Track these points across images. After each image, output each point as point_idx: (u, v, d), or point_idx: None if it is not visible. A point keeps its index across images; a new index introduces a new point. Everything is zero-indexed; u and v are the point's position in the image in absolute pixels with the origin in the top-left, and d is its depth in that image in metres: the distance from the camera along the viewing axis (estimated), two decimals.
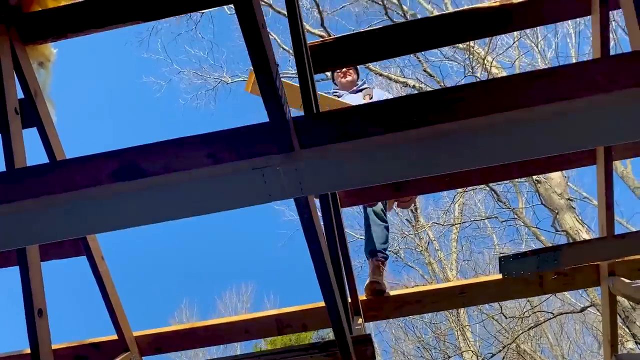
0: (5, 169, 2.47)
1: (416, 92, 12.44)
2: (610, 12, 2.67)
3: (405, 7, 12.91)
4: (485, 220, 14.49)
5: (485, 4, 2.77)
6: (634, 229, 11.51)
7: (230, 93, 15.80)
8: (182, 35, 14.26)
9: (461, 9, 2.79)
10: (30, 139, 2.81)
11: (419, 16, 13.24)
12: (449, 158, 1.59)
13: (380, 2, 12.38)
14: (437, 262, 15.75)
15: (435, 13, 13.24)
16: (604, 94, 1.49)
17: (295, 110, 3.44)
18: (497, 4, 2.75)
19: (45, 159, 2.88)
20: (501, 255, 1.99)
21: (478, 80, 11.16)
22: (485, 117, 1.55)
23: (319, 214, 2.42)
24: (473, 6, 2.76)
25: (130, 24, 2.81)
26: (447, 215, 14.60)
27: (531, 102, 1.53)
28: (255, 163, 1.54)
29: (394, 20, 12.41)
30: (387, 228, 3.74)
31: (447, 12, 2.80)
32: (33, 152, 2.77)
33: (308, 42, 3.02)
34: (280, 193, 1.54)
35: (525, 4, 2.71)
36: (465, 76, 10.96)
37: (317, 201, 2.38)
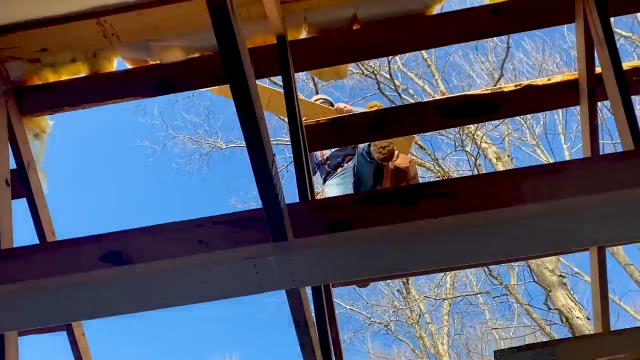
0: None
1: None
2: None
3: (397, 82, 13.30)
4: (478, 295, 14.29)
5: (477, 91, 2.85)
6: (627, 308, 11.37)
7: (224, 158, 15.91)
8: (180, 101, 14.47)
9: (454, 95, 2.86)
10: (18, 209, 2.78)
11: (410, 91, 13.64)
12: (441, 252, 1.56)
13: (373, 77, 12.76)
14: (429, 336, 15.35)
15: (427, 88, 13.66)
16: (594, 195, 1.49)
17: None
18: (489, 91, 2.83)
19: (32, 231, 2.83)
20: (497, 350, 1.94)
21: (468, 154, 11.36)
22: (476, 213, 1.54)
23: (309, 295, 2.37)
24: (465, 93, 2.84)
25: (129, 99, 2.85)
26: (439, 288, 14.40)
27: (521, 199, 1.54)
28: (247, 252, 1.51)
29: (386, 93, 12.76)
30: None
31: (440, 97, 2.86)
32: (20, 224, 2.72)
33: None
34: (271, 284, 1.50)
35: (516, 92, 2.79)
36: (455, 150, 11.14)
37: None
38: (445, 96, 2.90)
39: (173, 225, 1.65)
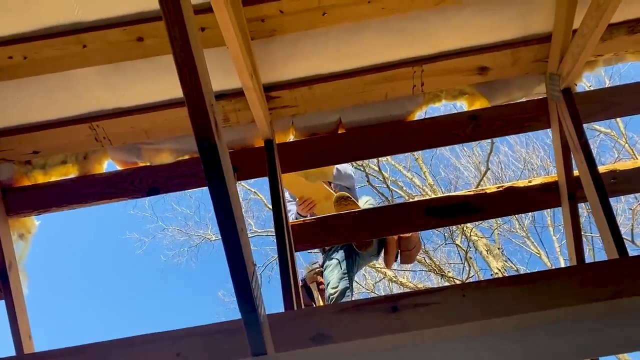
0: None
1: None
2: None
3: (385, 174, 13.56)
4: None
5: (461, 192, 2.91)
6: None
7: (213, 249, 15.76)
8: (170, 193, 14.56)
9: (439, 196, 2.91)
10: None
11: (399, 183, 13.87)
12: None
13: (362, 169, 13.02)
14: None
15: (415, 180, 13.90)
16: (587, 304, 1.49)
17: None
18: (472, 192, 2.89)
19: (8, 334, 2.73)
20: None
21: (458, 247, 11.35)
22: (464, 324, 1.52)
23: None
24: (449, 194, 2.89)
25: (118, 199, 2.87)
26: None
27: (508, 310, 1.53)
28: None
29: (374, 185, 12.95)
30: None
31: (425, 198, 2.91)
32: None
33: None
34: None
35: (498, 194, 2.85)
36: (445, 243, 11.14)
37: None
38: (431, 197, 2.96)
39: (151, 337, 1.61)
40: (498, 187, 2.88)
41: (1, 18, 2.29)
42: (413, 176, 14.04)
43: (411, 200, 3.11)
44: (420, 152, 13.40)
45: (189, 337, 1.58)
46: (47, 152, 2.78)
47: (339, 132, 2.87)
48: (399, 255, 3.72)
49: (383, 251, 3.71)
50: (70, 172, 2.87)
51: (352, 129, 2.85)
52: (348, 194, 3.34)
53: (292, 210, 3.70)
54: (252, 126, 2.80)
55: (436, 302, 1.61)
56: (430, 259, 11.86)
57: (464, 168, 14.80)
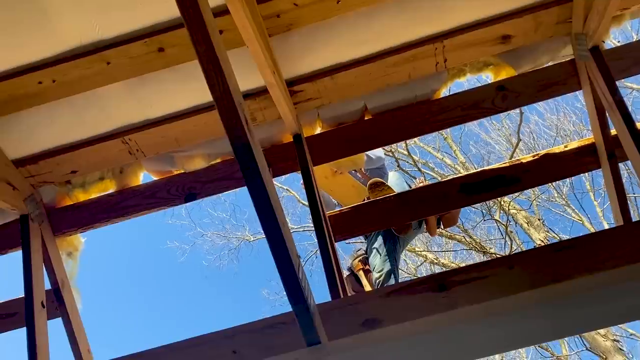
0: None
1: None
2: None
3: (415, 157, 13.44)
4: None
5: (496, 165, 2.87)
6: None
7: (252, 250, 15.93)
8: (205, 199, 14.78)
9: (474, 171, 2.88)
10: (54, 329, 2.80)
11: (430, 164, 13.73)
12: (489, 339, 1.51)
13: (391, 154, 12.93)
14: None
15: (446, 160, 13.74)
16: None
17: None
18: (507, 164, 2.84)
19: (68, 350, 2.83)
20: None
21: (497, 222, 11.18)
22: (522, 294, 1.50)
23: None
24: (485, 168, 2.85)
25: (158, 209, 2.93)
26: None
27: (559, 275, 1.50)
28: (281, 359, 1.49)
29: (405, 169, 12.84)
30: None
31: (460, 175, 2.88)
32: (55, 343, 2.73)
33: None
34: None
35: (534, 162, 2.80)
36: (484, 220, 10.99)
37: None
38: (465, 173, 2.92)
39: (206, 338, 1.64)
40: (534, 156, 2.83)
41: (27, 46, 2.36)
42: (444, 156, 13.88)
43: (446, 179, 3.08)
44: (448, 130, 13.24)
45: (242, 334, 1.61)
46: (84, 170, 2.86)
47: (366, 118, 2.86)
48: (440, 221, 3.71)
49: (424, 223, 3.69)
50: (109, 188, 2.95)
51: (378, 114, 2.83)
52: (382, 180, 3.33)
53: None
54: (279, 123, 2.82)
55: (484, 276, 1.59)
56: (470, 237, 11.72)
57: (494, 142, 14.55)
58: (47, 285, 2.78)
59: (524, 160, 2.84)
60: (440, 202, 2.78)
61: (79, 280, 3.02)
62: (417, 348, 1.56)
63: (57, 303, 2.79)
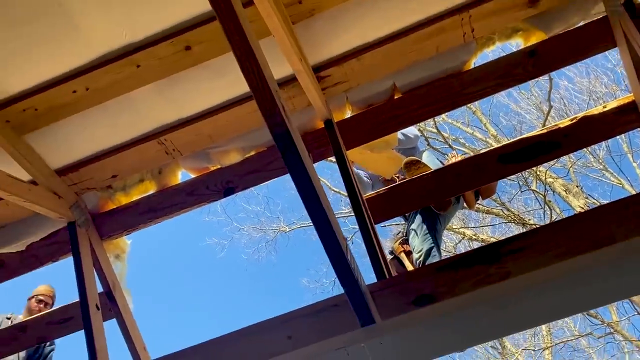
0: None
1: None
2: None
3: (445, 134, 13.27)
4: (580, 339, 13.25)
5: (534, 133, 2.81)
6: None
7: (289, 240, 16.08)
8: (239, 194, 14.94)
9: (511, 140, 2.82)
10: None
11: (461, 140, 13.55)
12: (541, 309, 1.49)
13: (421, 133, 12.80)
14: None
15: (477, 134, 13.53)
16: None
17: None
18: (545, 130, 2.78)
19: (124, 350, 2.91)
20: None
21: (535, 192, 10.97)
22: (572, 259, 1.48)
23: None
24: (522, 137, 2.80)
25: (198, 206, 2.98)
26: (535, 338, 13.49)
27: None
28: (338, 342, 1.50)
29: (435, 147, 12.69)
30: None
31: (498, 145, 2.83)
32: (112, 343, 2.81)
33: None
34: None
35: (573, 126, 2.73)
36: (521, 191, 10.80)
37: None
38: (502, 143, 2.86)
39: (261, 325, 1.67)
40: (572, 120, 2.75)
41: (60, 56, 2.41)
42: (474, 130, 13.68)
43: (483, 151, 3.02)
44: (477, 104, 13.03)
45: (296, 319, 1.63)
46: (124, 173, 2.92)
47: (395, 97, 2.84)
48: (478, 193, 3.66)
49: (462, 198, 3.65)
50: (149, 189, 3.01)
51: (408, 92, 2.80)
52: (417, 158, 3.30)
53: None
54: (308, 110, 2.82)
55: (537, 242, 1.56)
56: (508, 209, 11.55)
57: (525, 112, 14.26)
58: (99, 288, 2.87)
59: (561, 125, 2.77)
60: (478, 175, 2.74)
61: (128, 281, 3.10)
62: (472, 321, 1.55)
63: (110, 304, 2.87)
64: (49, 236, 3.01)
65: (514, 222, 11.34)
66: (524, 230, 11.07)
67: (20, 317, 4.52)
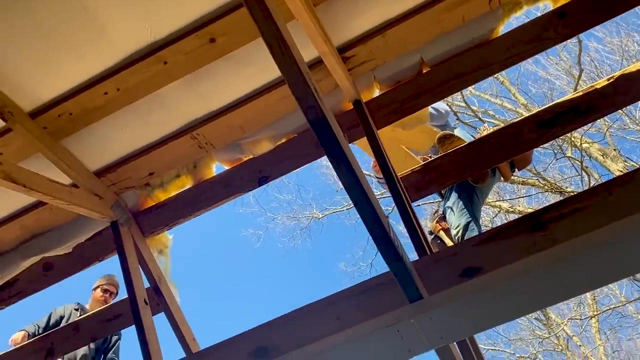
0: None
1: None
2: None
3: (473, 107, 13.04)
4: (627, 305, 12.98)
5: (569, 96, 2.73)
6: None
7: (323, 227, 16.18)
8: (270, 185, 15.07)
9: (547, 106, 2.75)
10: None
11: (490, 112, 13.30)
12: (590, 274, 1.46)
13: (449, 108, 12.60)
14: None
15: (506, 104, 13.25)
16: None
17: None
18: (580, 93, 2.70)
19: (174, 341, 2.98)
20: None
21: (571, 159, 10.71)
22: (622, 221, 1.43)
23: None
24: (558, 101, 2.72)
25: (234, 196, 3.01)
26: (580, 307, 13.26)
27: None
28: (388, 319, 1.50)
29: (465, 121, 12.49)
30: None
31: (533, 112, 2.76)
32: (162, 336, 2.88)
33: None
34: (420, 347, 1.46)
35: (610, 86, 2.64)
36: (556, 159, 10.56)
37: None
38: (537, 110, 2.79)
39: (307, 309, 1.68)
40: (609, 80, 2.66)
41: (89, 59, 2.45)
42: (502, 101, 13.40)
43: (518, 119, 2.93)
44: (505, 73, 12.74)
45: (343, 300, 1.64)
46: (160, 170, 2.97)
47: (424, 71, 2.79)
48: (513, 164, 3.59)
49: (498, 169, 3.59)
50: (186, 183, 3.05)
51: (436, 65, 2.75)
52: (450, 132, 3.25)
53: None
54: (335, 93, 2.80)
55: (582, 207, 1.53)
56: (544, 179, 11.31)
57: (554, 78, 13.89)
58: (146, 284, 2.93)
59: (598, 86, 2.68)
60: (514, 144, 2.68)
61: (172, 275, 3.17)
62: (519, 291, 1.53)
63: (158, 298, 2.94)
64: (94, 236, 3.09)
65: (551, 191, 11.11)
66: (562, 198, 10.83)
67: (87, 307, 4.64)
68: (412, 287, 1.46)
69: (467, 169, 2.80)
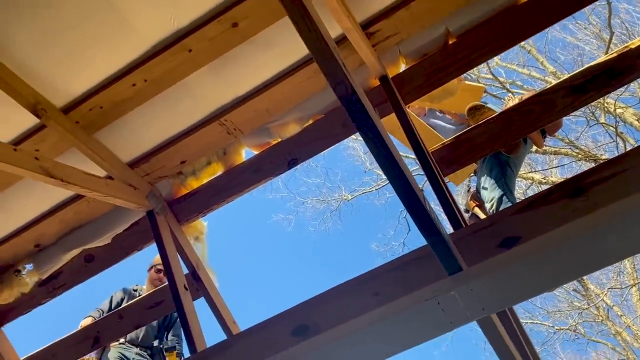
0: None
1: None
2: None
3: (501, 79, 12.77)
4: None
5: (602, 59, 2.64)
6: None
7: (353, 207, 16.19)
8: (298, 169, 15.13)
9: (578, 70, 2.67)
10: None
11: (518, 82, 13.00)
12: (624, 244, 1.42)
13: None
14: (626, 329, 13.77)
15: (534, 74, 12.93)
16: None
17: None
18: (615, 55, 2.61)
19: (216, 326, 3.04)
20: None
21: (604, 125, 10.42)
22: None
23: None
24: (590, 64, 2.64)
25: (265, 180, 3.03)
26: (620, 276, 13.00)
27: None
28: (426, 292, 1.49)
29: (493, 93, 12.24)
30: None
31: (565, 78, 2.69)
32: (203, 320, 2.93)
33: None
34: (461, 318, 1.45)
35: None
36: (589, 126, 10.29)
37: None
38: (569, 74, 2.72)
39: (347, 285, 1.69)
40: None
41: (115, 52, 2.49)
42: (530, 70, 13.09)
43: (550, 84, 2.85)
44: (532, 42, 12.42)
45: (381, 275, 1.64)
46: (192, 158, 3.01)
47: (450, 43, 2.74)
48: (544, 131, 3.51)
49: (529, 138, 3.52)
50: (217, 170, 3.08)
51: (463, 35, 2.69)
52: (481, 103, 3.19)
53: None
54: (361, 70, 2.77)
55: (622, 170, 1.48)
56: (577, 147, 11.05)
57: (583, 43, 13.46)
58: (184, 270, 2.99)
59: (632, 46, 2.58)
60: (548, 110, 2.62)
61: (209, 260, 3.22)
62: (560, 259, 1.50)
63: (197, 284, 3.00)
64: (131, 227, 3.16)
65: (585, 160, 10.85)
66: (600, 162, 10.56)
67: (144, 288, 4.73)
68: (451, 259, 1.44)
69: (499, 140, 2.75)
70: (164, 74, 2.59)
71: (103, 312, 4.39)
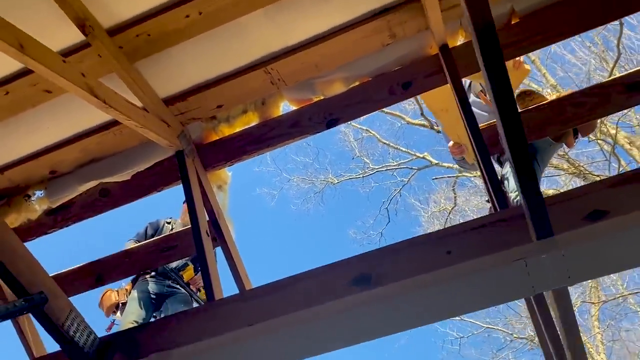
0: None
1: None
2: None
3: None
4: (628, 297, 13.02)
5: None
6: None
7: (336, 191, 16.17)
8: (289, 146, 15.02)
9: (635, 69, 2.66)
10: None
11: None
12: None
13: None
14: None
15: (532, 84, 13.02)
16: None
17: None
18: None
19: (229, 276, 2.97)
20: None
21: (600, 143, 10.55)
22: None
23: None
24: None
25: (300, 137, 2.95)
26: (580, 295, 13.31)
27: None
28: (513, 254, 1.45)
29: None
30: None
31: (623, 74, 2.67)
32: None
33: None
34: (545, 284, 1.42)
35: None
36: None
37: None
38: (628, 72, 2.70)
39: (417, 240, 1.64)
40: None
41: None
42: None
43: (606, 79, 2.83)
44: (536, 53, 12.47)
45: (455, 235, 1.59)
46: (229, 104, 2.90)
47: (513, 22, 2.68)
48: (577, 131, 3.50)
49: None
50: (252, 120, 2.98)
51: (527, 16, 2.64)
52: (531, 89, 3.16)
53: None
54: (419, 37, 2.71)
55: None
56: (568, 161, 11.19)
57: (582, 62, 13.60)
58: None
59: None
60: (602, 104, 2.60)
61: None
62: None
63: (216, 233, 2.91)
64: (154, 166, 3.05)
65: (576, 175, 11.01)
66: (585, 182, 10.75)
67: (179, 221, 4.53)
68: (545, 223, 1.41)
69: (548, 127, 2.72)
70: (219, 10, 2.48)
71: (139, 239, 4.21)
